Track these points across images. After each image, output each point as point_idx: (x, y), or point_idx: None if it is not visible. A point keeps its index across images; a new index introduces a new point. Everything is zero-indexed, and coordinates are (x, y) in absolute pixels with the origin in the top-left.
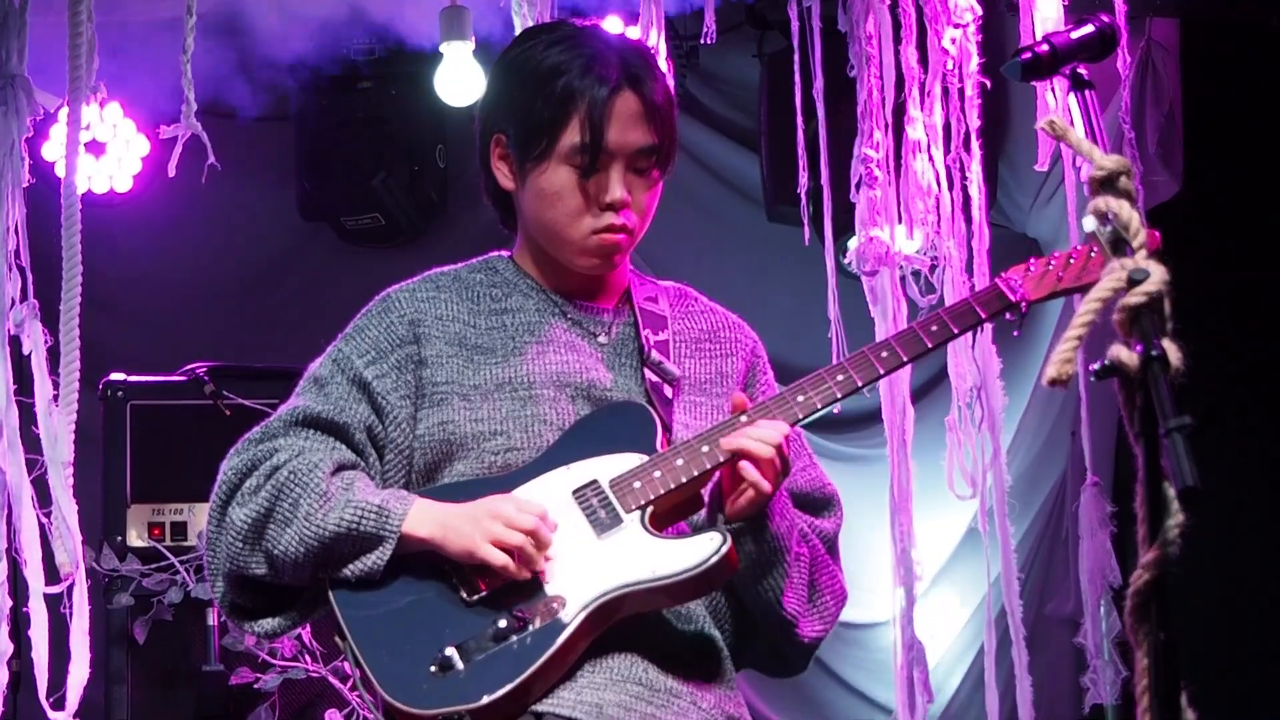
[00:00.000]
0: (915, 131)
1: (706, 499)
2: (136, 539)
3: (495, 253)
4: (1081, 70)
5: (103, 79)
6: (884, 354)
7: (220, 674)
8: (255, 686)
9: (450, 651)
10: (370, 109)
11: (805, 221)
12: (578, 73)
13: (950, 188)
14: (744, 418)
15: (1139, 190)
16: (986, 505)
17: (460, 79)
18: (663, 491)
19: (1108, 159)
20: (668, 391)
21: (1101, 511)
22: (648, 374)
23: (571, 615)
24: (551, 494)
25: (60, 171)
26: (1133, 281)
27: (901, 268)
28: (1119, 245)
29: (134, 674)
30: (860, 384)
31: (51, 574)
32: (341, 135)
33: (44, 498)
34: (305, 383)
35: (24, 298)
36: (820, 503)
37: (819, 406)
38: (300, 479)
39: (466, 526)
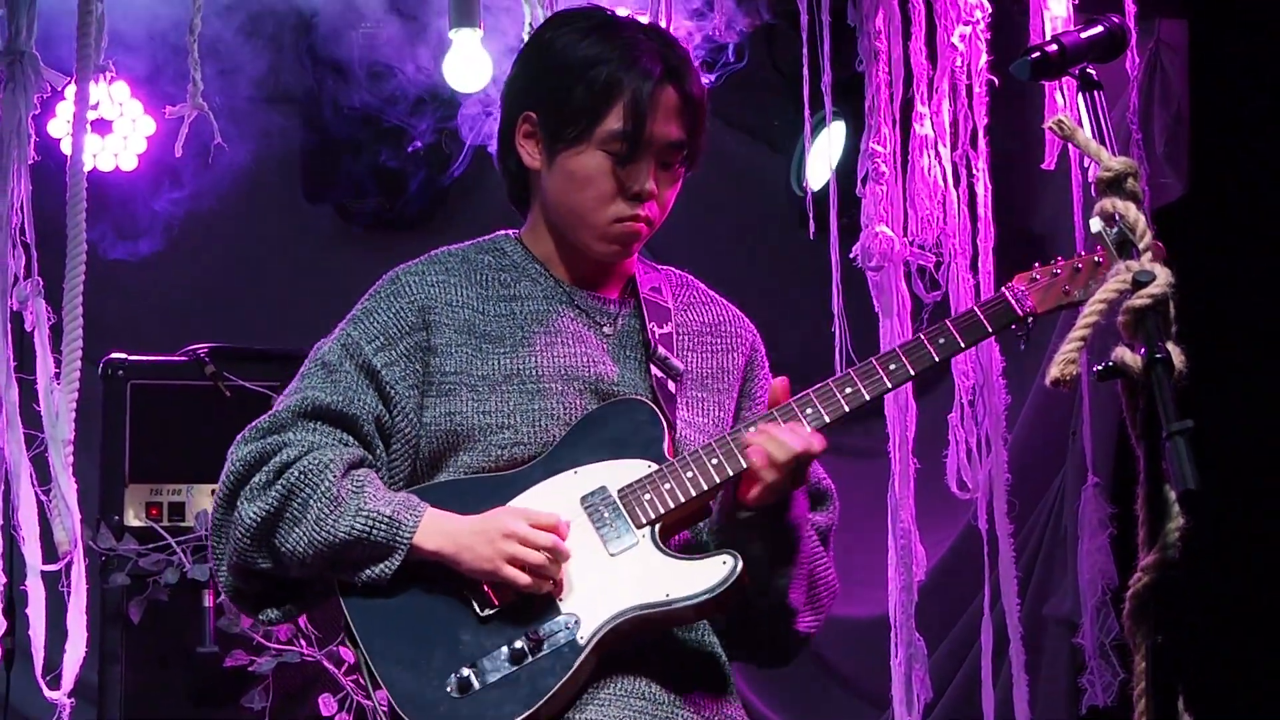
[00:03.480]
0: (923, 128)
1: (715, 506)
2: (134, 518)
3: (503, 232)
4: (1090, 70)
5: (110, 57)
6: (892, 366)
7: (215, 656)
8: (250, 669)
9: (467, 672)
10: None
11: (810, 216)
12: (621, 61)
13: (956, 185)
14: (753, 428)
15: (1145, 192)
16: (986, 503)
17: (469, 65)
18: (673, 506)
19: (1115, 160)
20: (671, 387)
21: (1101, 512)
22: (653, 369)
23: (587, 638)
24: (560, 500)
25: (66, 149)
26: (1138, 283)
27: (907, 264)
28: (1125, 247)
29: (128, 654)
30: (869, 397)
31: (49, 552)
32: (347, 118)
33: (43, 475)
34: (312, 365)
35: (28, 274)
36: (816, 497)
37: (828, 420)
38: (311, 480)
39: (482, 547)
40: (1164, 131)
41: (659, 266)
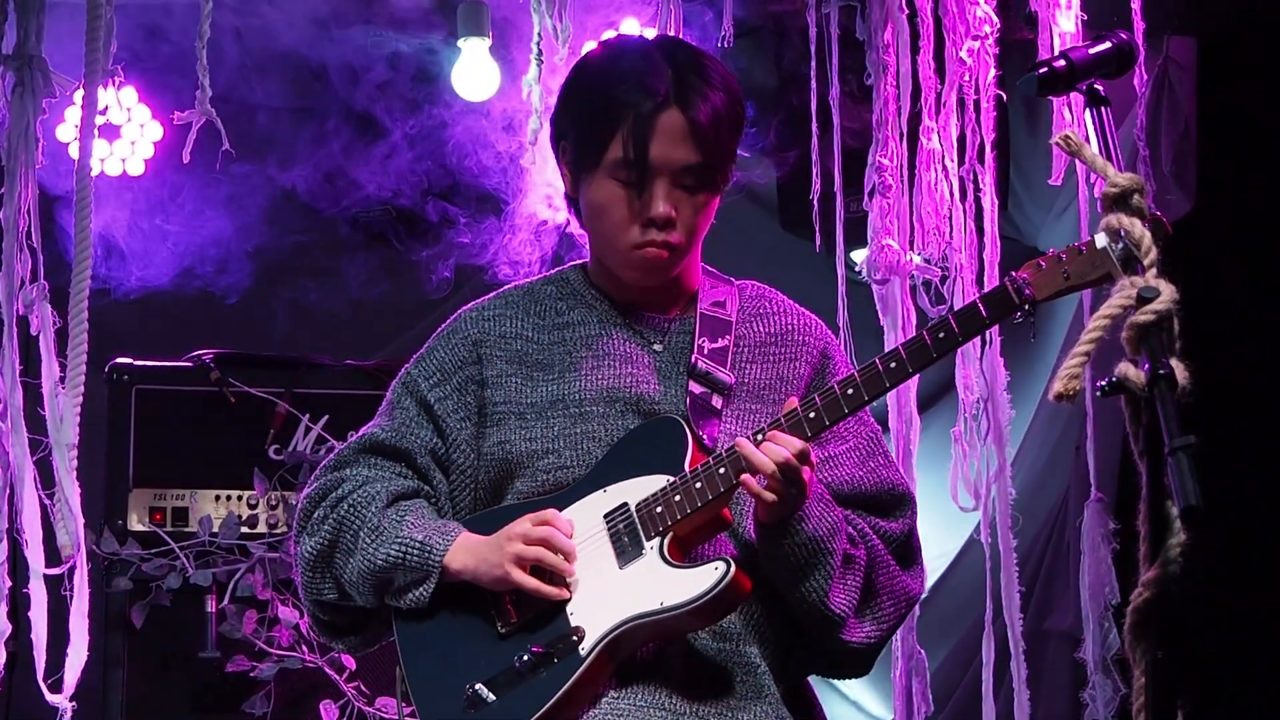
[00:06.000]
0: (930, 142)
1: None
2: (137, 523)
3: (573, 263)
4: (1098, 86)
5: (119, 62)
6: (892, 365)
7: (217, 661)
8: (251, 675)
9: (480, 687)
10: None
11: (817, 229)
12: (628, 86)
13: (963, 199)
14: (759, 435)
15: (1152, 208)
16: (989, 517)
17: (477, 75)
18: (679, 517)
19: (1121, 176)
20: (716, 401)
21: (1104, 527)
22: (692, 385)
23: (588, 648)
24: (586, 519)
25: (74, 153)
26: (1142, 299)
27: (912, 277)
28: (1130, 263)
29: (130, 659)
30: (867, 397)
31: (52, 556)
32: (356, 126)
33: (47, 479)
34: (382, 404)
35: (34, 278)
36: (887, 504)
37: (827, 423)
38: (358, 512)
39: (493, 555)
40: (1171, 148)
41: (733, 280)
